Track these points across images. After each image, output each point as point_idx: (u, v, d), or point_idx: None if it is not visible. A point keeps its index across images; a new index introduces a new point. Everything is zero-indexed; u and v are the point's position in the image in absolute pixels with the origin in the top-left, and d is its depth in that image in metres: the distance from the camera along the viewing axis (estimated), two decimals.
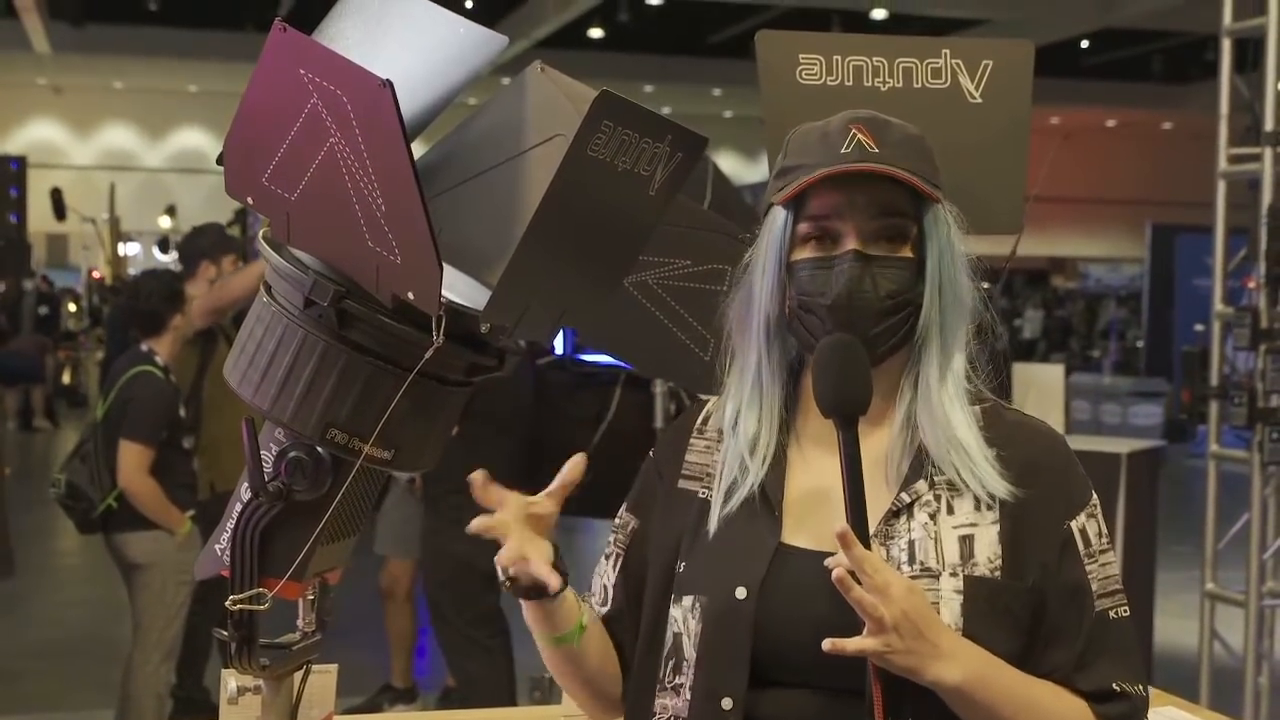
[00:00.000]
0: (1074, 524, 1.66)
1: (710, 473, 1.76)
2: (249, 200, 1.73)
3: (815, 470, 1.70)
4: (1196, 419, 5.39)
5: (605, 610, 1.83)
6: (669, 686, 1.69)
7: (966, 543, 1.61)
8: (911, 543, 1.61)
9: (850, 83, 2.15)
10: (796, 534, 1.64)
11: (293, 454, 1.80)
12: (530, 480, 3.34)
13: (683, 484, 1.78)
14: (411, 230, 1.61)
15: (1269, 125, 5.11)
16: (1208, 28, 16.33)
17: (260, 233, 1.82)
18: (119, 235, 17.48)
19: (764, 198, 1.77)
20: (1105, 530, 1.69)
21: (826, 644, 1.49)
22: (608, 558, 1.85)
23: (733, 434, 1.74)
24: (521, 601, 1.70)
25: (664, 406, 5.51)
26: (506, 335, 1.76)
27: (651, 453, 1.88)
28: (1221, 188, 5.47)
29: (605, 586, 1.84)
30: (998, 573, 1.60)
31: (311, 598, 1.91)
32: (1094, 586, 1.65)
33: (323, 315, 1.73)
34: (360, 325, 1.73)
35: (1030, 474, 1.65)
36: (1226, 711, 3.20)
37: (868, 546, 1.52)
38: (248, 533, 1.82)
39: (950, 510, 1.62)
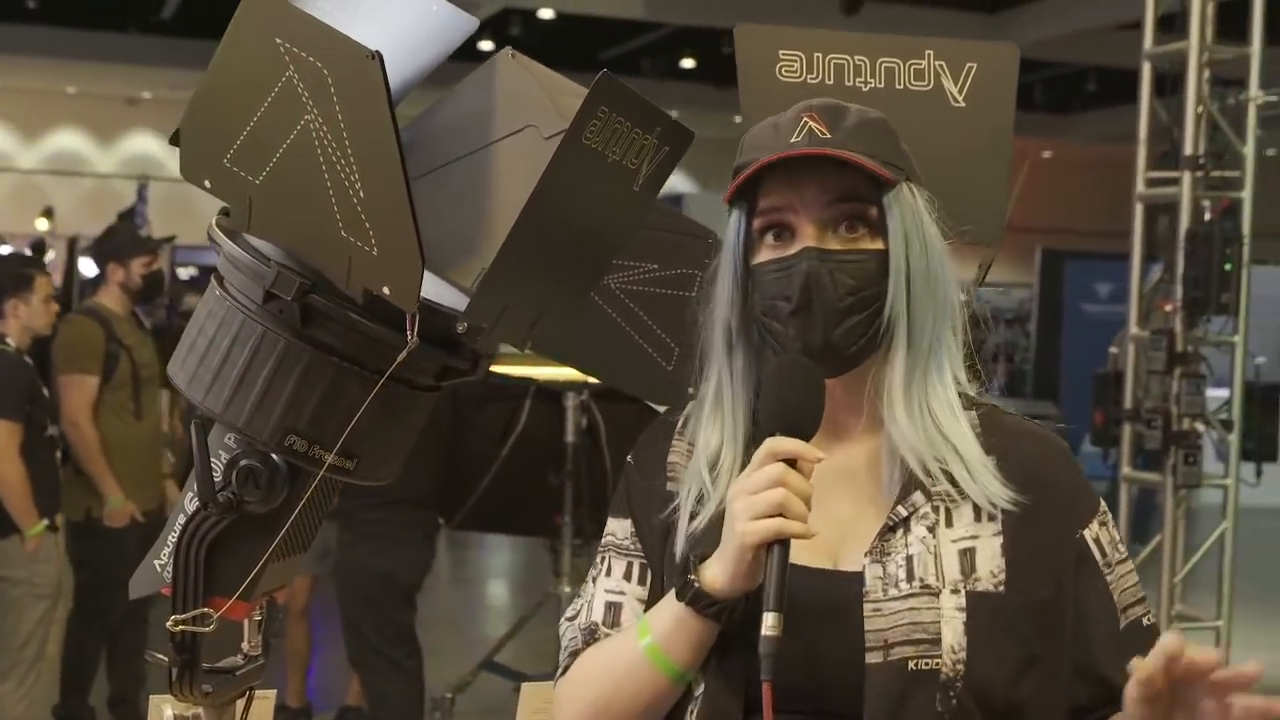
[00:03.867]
0: (1087, 534, 1.57)
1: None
2: (206, 183, 1.58)
3: None
4: (1110, 442, 5.40)
5: None
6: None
7: (967, 556, 1.51)
8: (909, 558, 1.51)
9: (831, 81, 2.05)
10: None
11: (245, 462, 1.65)
12: (444, 494, 3.18)
13: (670, 485, 1.65)
14: (393, 219, 1.48)
15: (1188, 149, 5.12)
16: (1086, 59, 16.61)
17: (214, 220, 1.67)
18: None
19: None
20: (1118, 537, 1.60)
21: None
22: (611, 573, 1.67)
23: (696, 452, 1.64)
24: (693, 614, 1.50)
25: (575, 420, 5.41)
26: (484, 337, 1.63)
27: (630, 459, 1.73)
28: (1139, 211, 5.49)
29: (640, 601, 1.63)
30: (1001, 587, 1.50)
31: (258, 618, 1.76)
32: (1117, 599, 1.56)
33: (284, 311, 1.59)
34: (326, 322, 1.59)
35: (1034, 482, 1.55)
36: None
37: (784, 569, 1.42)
38: (193, 547, 1.66)
39: (949, 523, 1.53)
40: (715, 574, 1.48)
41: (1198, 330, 5.24)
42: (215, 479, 1.66)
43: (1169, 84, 5.36)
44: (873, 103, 2.04)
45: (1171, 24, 5.35)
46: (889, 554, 1.51)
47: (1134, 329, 5.49)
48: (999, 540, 1.52)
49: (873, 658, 1.47)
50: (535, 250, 1.60)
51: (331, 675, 6.15)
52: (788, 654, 1.43)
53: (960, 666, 1.46)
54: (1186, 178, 5.14)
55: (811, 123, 1.56)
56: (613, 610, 1.63)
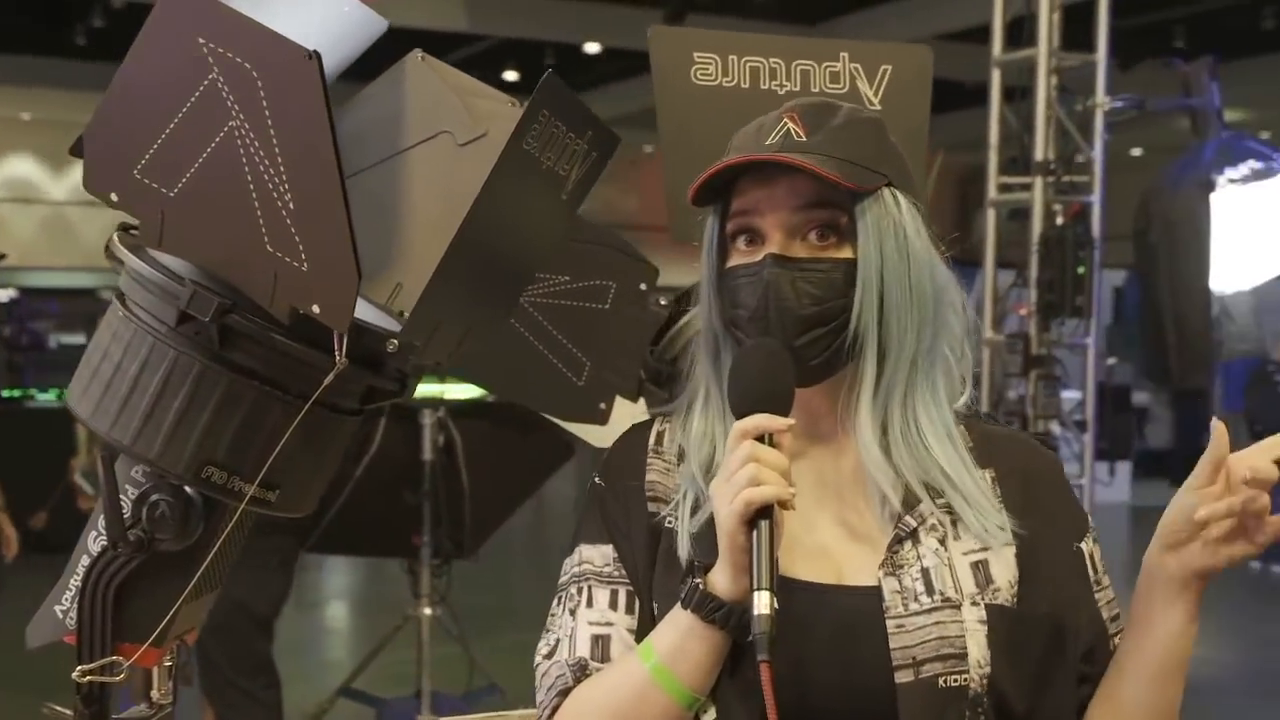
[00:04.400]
0: (1084, 546, 1.54)
1: (674, 497, 1.55)
2: (113, 197, 1.45)
3: None
4: None
5: None
6: None
7: (981, 569, 1.46)
8: (925, 571, 1.45)
9: (746, 85, 2.00)
10: (787, 565, 1.45)
11: (156, 497, 1.52)
12: (300, 517, 3.00)
13: (650, 506, 1.56)
14: (327, 233, 1.38)
15: (1039, 155, 5.18)
16: None
17: (113, 236, 1.55)
18: None
19: None
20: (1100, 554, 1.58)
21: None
22: (593, 603, 1.54)
23: (688, 456, 1.55)
24: (700, 623, 1.41)
25: (432, 437, 5.27)
26: (417, 356, 1.53)
27: (597, 479, 1.62)
28: (991, 216, 5.53)
29: (630, 631, 1.53)
30: (1016, 600, 1.46)
31: (169, 664, 1.64)
32: (1105, 614, 1.53)
33: (200, 332, 1.47)
34: (247, 344, 1.47)
35: (1034, 488, 1.53)
36: None
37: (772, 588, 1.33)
38: (99, 591, 1.54)
39: (956, 535, 1.47)
40: (716, 576, 1.41)
41: (1051, 333, 5.31)
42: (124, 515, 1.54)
43: (1018, 92, 5.42)
44: None
45: (1009, 32, 5.42)
46: (902, 566, 1.45)
47: (989, 333, 5.54)
48: (1012, 550, 1.47)
49: (902, 676, 1.40)
50: (472, 262, 1.51)
51: (184, 709, 5.91)
52: (813, 677, 1.38)
53: (986, 682, 1.41)
54: (1038, 183, 5.20)
55: (791, 124, 1.49)
56: (600, 643, 1.52)
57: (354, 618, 8.83)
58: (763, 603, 1.31)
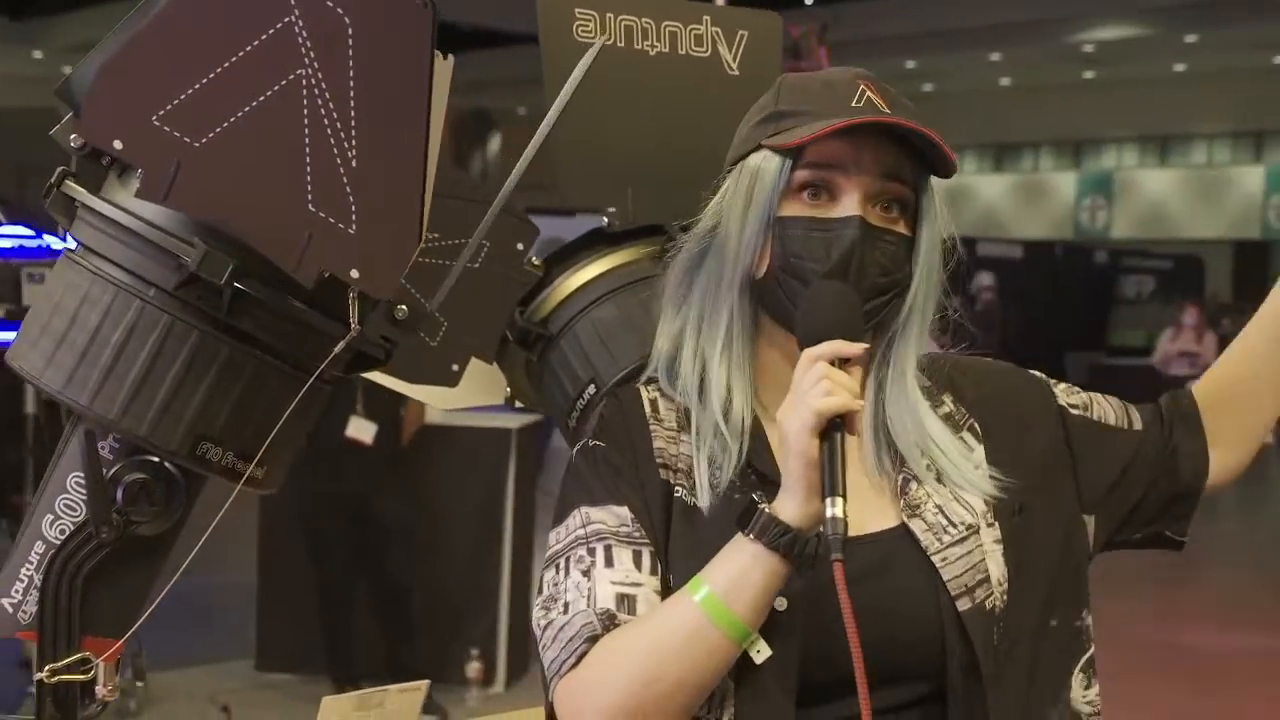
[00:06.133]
0: (1058, 402, 1.63)
1: (682, 466, 1.51)
2: (115, 144, 1.29)
3: None
4: None
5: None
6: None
7: (976, 489, 1.53)
8: (939, 507, 1.50)
9: (621, 44, 1.99)
10: None
11: (132, 476, 1.38)
12: None
13: (662, 474, 1.51)
14: (395, 195, 1.29)
15: None
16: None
17: (65, 181, 1.38)
18: None
19: (737, 147, 1.57)
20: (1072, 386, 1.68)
21: None
22: (614, 563, 1.46)
23: (701, 405, 1.52)
24: (764, 550, 1.37)
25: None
26: (426, 321, 1.46)
27: (598, 444, 1.54)
28: None
29: (656, 593, 1.46)
30: (1013, 505, 1.53)
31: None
32: (1116, 411, 1.64)
33: (202, 296, 1.34)
34: (255, 310, 1.36)
35: (988, 388, 1.62)
36: None
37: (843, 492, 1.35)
38: (64, 580, 1.39)
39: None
40: (782, 504, 1.38)
41: None
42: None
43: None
44: (660, 68, 1.99)
45: None
46: (917, 506, 1.50)
47: None
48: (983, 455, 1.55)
49: (963, 604, 1.45)
50: None
51: None
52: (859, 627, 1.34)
53: (1006, 597, 1.47)
54: None
55: (870, 93, 1.49)
56: (626, 602, 1.43)
57: None
58: (838, 506, 1.32)
